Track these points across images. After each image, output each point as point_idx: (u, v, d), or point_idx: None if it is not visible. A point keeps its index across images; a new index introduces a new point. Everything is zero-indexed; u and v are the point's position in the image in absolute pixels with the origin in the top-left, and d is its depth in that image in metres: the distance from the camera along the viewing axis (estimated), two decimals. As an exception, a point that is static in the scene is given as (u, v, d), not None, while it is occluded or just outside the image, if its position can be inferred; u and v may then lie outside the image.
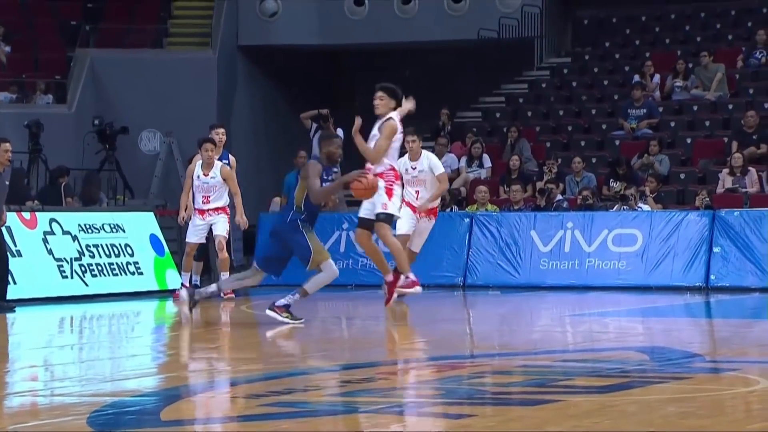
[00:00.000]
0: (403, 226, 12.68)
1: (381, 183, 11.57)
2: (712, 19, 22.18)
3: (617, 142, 19.35)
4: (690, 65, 20.30)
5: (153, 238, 16.10)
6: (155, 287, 15.62)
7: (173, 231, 18.66)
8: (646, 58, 21.00)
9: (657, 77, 20.46)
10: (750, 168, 17.08)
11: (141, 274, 15.56)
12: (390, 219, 11.91)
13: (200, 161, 13.77)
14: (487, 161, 19.09)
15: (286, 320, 10.78)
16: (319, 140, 11.39)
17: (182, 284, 14.07)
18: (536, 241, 15.99)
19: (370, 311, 13.05)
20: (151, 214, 16.76)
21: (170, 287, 15.72)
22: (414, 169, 13.04)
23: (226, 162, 14.17)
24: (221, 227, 13.77)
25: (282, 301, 10.83)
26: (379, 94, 12.39)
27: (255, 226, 16.33)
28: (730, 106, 19.56)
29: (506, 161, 18.83)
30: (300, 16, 22.94)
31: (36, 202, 16.25)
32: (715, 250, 15.34)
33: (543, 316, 12.97)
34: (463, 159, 19.19)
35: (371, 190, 11.09)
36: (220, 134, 14.22)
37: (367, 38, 22.90)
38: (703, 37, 21.72)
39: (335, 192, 11.51)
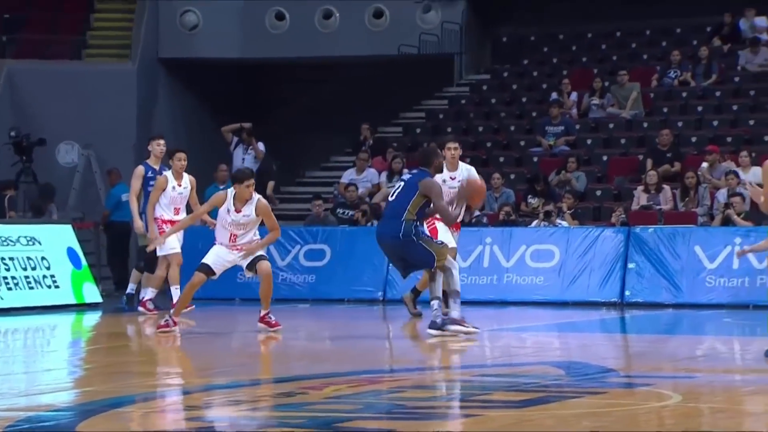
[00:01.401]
0: (450, 240, 12.26)
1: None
2: (628, 39, 22.55)
3: (535, 159, 19.58)
4: (606, 84, 20.62)
5: (70, 251, 15.94)
6: (72, 300, 15.46)
7: (91, 244, 18.51)
8: (564, 76, 21.29)
9: (574, 95, 20.75)
10: (664, 185, 17.38)
11: (57, 287, 15.40)
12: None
13: (170, 172, 13.68)
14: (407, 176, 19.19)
15: (468, 329, 11.08)
16: (427, 154, 11.22)
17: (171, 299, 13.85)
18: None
19: (300, 325, 13.05)
20: (69, 226, 16.59)
21: (87, 300, 15.59)
22: (453, 179, 12.42)
23: (166, 172, 14.12)
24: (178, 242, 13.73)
25: (439, 319, 11.04)
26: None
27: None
28: (645, 125, 19.89)
29: (426, 176, 18.91)
30: (221, 29, 22.89)
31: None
32: (630, 266, 15.59)
33: (471, 327, 13.06)
34: (384, 174, 19.28)
35: (482, 191, 11.48)
36: (161, 145, 14.20)
37: (288, 52, 22.92)
38: (619, 56, 22.07)
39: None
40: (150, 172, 14.22)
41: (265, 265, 11.63)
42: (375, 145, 20.41)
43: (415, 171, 11.29)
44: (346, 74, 23.78)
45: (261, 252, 11.72)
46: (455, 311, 11.24)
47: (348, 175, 19.24)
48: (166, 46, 22.82)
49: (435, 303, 11.18)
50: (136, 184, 14.12)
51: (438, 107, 22.33)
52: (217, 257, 11.61)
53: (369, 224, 17.74)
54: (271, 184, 19.36)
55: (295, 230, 17.12)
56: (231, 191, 11.58)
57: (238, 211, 11.52)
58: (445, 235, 12.09)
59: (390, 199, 11.22)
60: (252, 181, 11.57)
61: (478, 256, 15.95)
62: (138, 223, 14.15)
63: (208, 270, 11.56)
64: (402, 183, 11.24)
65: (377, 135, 21.05)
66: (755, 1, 19.96)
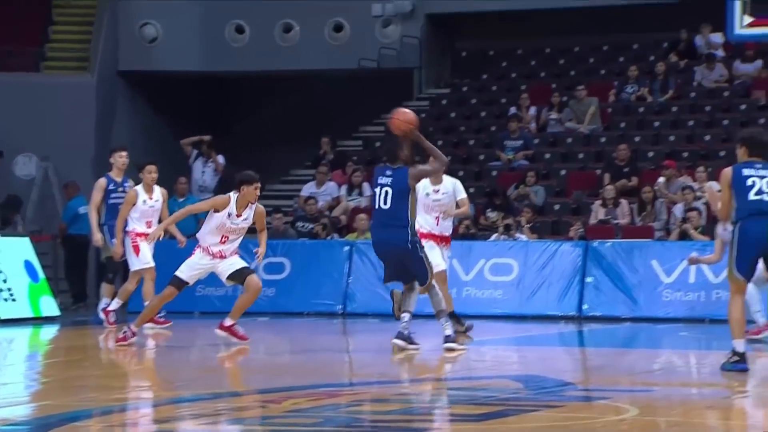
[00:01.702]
0: (439, 262, 12.14)
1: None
2: (586, 54, 22.72)
3: (494, 173, 19.68)
4: (564, 98, 20.76)
5: (27, 264, 15.84)
6: (29, 314, 15.36)
7: (48, 257, 18.41)
8: (522, 90, 21.42)
9: (533, 109, 20.88)
10: (621, 200, 17.52)
11: (14, 300, 15.29)
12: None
13: (140, 186, 13.61)
14: (367, 189, 19.25)
15: (460, 347, 11.19)
16: (392, 149, 11.00)
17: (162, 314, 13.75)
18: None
19: (260, 338, 13.02)
20: (26, 239, 16.49)
21: (45, 314, 15.49)
22: (437, 192, 12.32)
23: (127, 185, 14.07)
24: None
25: (449, 332, 11.11)
26: None
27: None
28: (603, 139, 20.04)
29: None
30: (181, 42, 22.85)
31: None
32: (588, 280, 15.70)
33: (421, 344, 13.10)
34: (344, 187, 19.32)
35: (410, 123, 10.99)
36: (123, 157, 14.15)
37: (248, 66, 22.93)
38: (577, 71, 22.23)
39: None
40: (112, 185, 14.16)
41: (255, 280, 11.53)
42: (335, 158, 20.44)
43: (389, 172, 10.97)
44: (306, 88, 23.81)
45: (245, 264, 11.60)
46: (448, 329, 11.24)
47: (308, 189, 19.26)
48: (125, 58, 22.75)
49: (406, 316, 11.20)
50: (97, 196, 14.05)
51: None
52: (192, 265, 11.38)
53: (329, 237, 17.77)
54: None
55: (255, 243, 17.07)
56: (233, 195, 11.35)
57: (238, 215, 11.36)
58: (433, 255, 11.97)
59: (383, 206, 10.95)
60: (259, 183, 11.47)
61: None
62: (97, 236, 14.07)
63: (180, 283, 11.40)
64: (387, 189, 10.95)
65: (337, 148, 21.09)
66: (711, 18, 20.17)
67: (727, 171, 9.51)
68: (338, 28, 22.81)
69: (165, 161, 21.04)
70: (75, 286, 18.50)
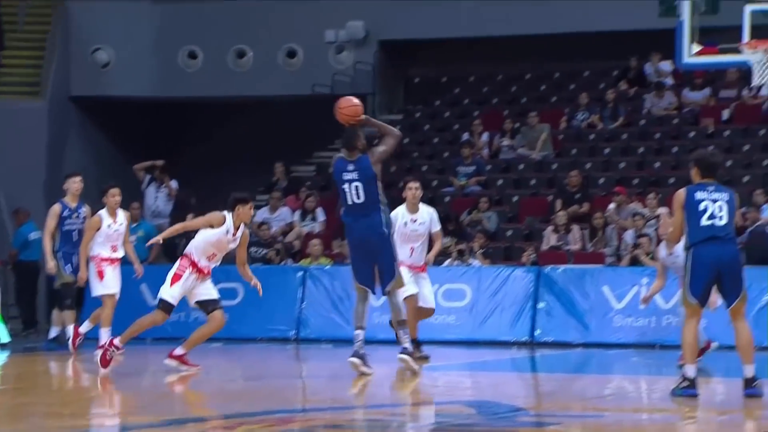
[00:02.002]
0: (409, 287, 12.16)
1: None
2: (537, 81, 22.92)
3: (447, 199, 19.77)
4: (517, 125, 20.92)
5: (-23, 291, 15.71)
6: (-21, 341, 15.23)
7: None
8: (475, 117, 21.56)
9: (485, 136, 21.01)
10: (573, 226, 17.66)
11: (-36, 327, 15.15)
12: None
13: (103, 211, 13.53)
14: (320, 215, 19.29)
15: (413, 364, 11.17)
16: (351, 136, 10.95)
17: (111, 340, 13.64)
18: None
19: (213, 364, 12.98)
20: (-23, 265, 16.37)
21: (-3, 341, 15.37)
22: (414, 222, 12.38)
23: (82, 211, 14.00)
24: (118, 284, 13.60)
25: (407, 345, 11.08)
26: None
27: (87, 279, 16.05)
28: (554, 166, 20.20)
29: (339, 215, 19.02)
30: (134, 67, 22.81)
31: None
32: (540, 305, 15.81)
33: (374, 369, 13.12)
34: (297, 213, 19.34)
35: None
36: (77, 183, 14.09)
37: (201, 91, 22.91)
38: (529, 98, 22.42)
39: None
40: (66, 211, 14.09)
41: (221, 315, 11.53)
42: (288, 184, 20.46)
43: (351, 166, 10.95)
44: (259, 113, 23.82)
45: (218, 296, 11.61)
46: (406, 342, 11.26)
47: (261, 214, 19.26)
48: (77, 83, 22.66)
49: (360, 334, 11.20)
50: (51, 223, 13.97)
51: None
52: (178, 286, 11.35)
53: (282, 263, 17.77)
54: (190, 217, 19.28)
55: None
56: (228, 214, 11.40)
57: (234, 234, 11.41)
58: (405, 279, 11.98)
59: (357, 201, 10.96)
60: (253, 203, 11.58)
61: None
62: (51, 264, 13.99)
63: (169, 308, 11.39)
64: (356, 183, 10.93)
65: (291, 174, 21.11)
66: (660, 46, 20.42)
67: (680, 193, 9.60)
68: (292, 53, 22.87)
69: (117, 186, 20.97)
70: (25, 312, 18.37)
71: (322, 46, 22.67)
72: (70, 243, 14.10)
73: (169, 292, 11.38)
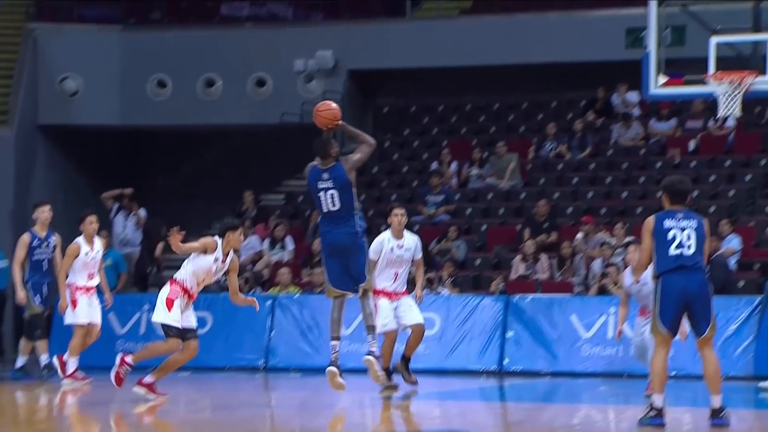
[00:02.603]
0: (389, 322, 12.28)
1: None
2: (505, 111, 23.05)
3: (416, 228, 19.78)
4: (485, 154, 21.03)
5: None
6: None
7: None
8: (444, 146, 21.65)
9: (454, 165, 21.10)
10: (541, 255, 17.74)
11: None
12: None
13: (80, 238, 13.48)
14: (289, 243, 19.29)
15: (378, 371, 11.13)
16: (324, 144, 10.99)
17: (76, 369, 13.55)
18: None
19: (180, 394, 12.93)
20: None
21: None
22: (400, 247, 12.41)
23: (51, 240, 13.96)
24: (99, 311, 13.56)
25: (374, 350, 11.03)
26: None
27: (52, 308, 16.00)
28: (523, 195, 20.30)
29: (308, 244, 19.05)
30: (102, 95, 22.78)
31: None
32: (509, 334, 15.85)
33: (343, 399, 13.12)
34: (266, 241, 19.33)
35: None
36: (46, 212, 14.06)
37: (170, 120, 22.91)
38: (497, 128, 22.54)
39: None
40: (36, 240, 14.06)
41: (195, 345, 11.54)
42: (257, 212, 20.46)
43: (326, 175, 10.97)
44: (228, 142, 23.84)
45: (196, 325, 11.64)
46: (374, 347, 11.28)
47: (230, 243, 19.21)
48: (45, 112, 22.60)
49: (336, 344, 11.21)
50: (20, 252, 13.91)
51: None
52: (178, 310, 11.35)
53: (251, 291, 17.74)
54: (160, 245, 19.32)
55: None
56: (218, 240, 11.40)
57: (222, 261, 11.43)
58: (386, 313, 12.07)
59: (332, 208, 10.95)
60: (242, 229, 11.60)
61: (360, 323, 16.04)
62: (21, 294, 13.94)
63: (177, 332, 11.41)
64: (331, 191, 10.94)
65: (260, 203, 21.11)
66: (627, 77, 20.61)
67: (650, 220, 9.65)
68: (261, 83, 22.92)
69: (95, 213, 20.92)
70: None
71: (291, 76, 22.73)
72: (40, 272, 14.06)
73: (171, 317, 11.37)
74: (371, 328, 11.29)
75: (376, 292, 12.08)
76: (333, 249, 11.09)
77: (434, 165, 21.07)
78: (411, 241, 12.55)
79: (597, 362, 15.48)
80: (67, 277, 13.47)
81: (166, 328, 11.43)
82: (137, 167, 23.83)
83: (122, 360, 11.65)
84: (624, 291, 12.89)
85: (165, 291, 11.48)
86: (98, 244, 13.64)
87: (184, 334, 11.50)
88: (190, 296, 11.48)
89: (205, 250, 11.36)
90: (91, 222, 13.52)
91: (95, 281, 13.57)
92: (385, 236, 12.48)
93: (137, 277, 19.56)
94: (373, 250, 12.20)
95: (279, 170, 22.57)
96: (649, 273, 11.40)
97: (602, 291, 16.37)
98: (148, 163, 24.21)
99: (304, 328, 16.47)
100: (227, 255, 11.47)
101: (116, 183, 20.26)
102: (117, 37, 23.11)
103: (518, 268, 17.68)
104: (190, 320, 11.58)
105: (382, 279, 12.36)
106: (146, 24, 23.98)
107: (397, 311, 12.51)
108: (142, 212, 19.57)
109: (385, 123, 23.72)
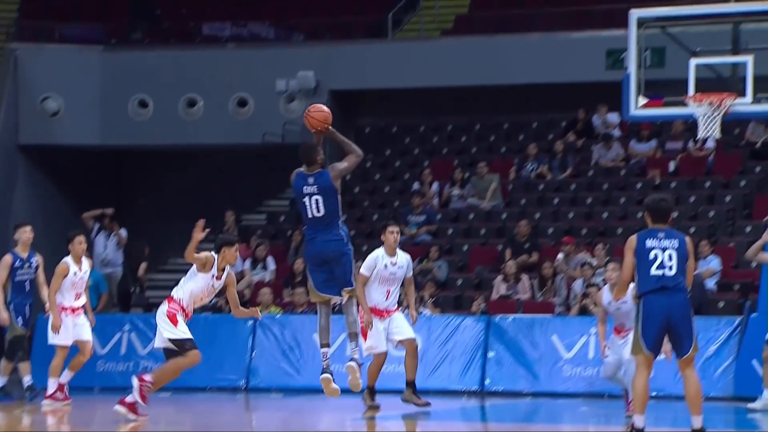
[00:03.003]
0: (378, 344, 12.28)
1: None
2: (487, 132, 23.12)
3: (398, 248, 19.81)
4: (466, 175, 21.08)
5: None
6: None
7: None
8: (425, 166, 21.69)
9: (435, 185, 21.14)
10: (522, 275, 17.76)
11: None
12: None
13: (69, 258, 13.43)
14: (271, 264, 19.27)
15: (358, 376, 11.02)
16: (309, 150, 11.00)
17: (56, 390, 13.49)
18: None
19: (161, 414, 12.89)
20: None
21: None
22: (394, 264, 12.40)
23: (34, 261, 13.94)
24: (89, 329, 13.54)
25: (357, 357, 11.02)
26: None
27: (33, 327, 15.93)
28: (504, 215, 20.34)
29: (290, 264, 19.04)
30: (83, 115, 22.75)
31: None
32: (490, 354, 15.85)
33: (324, 419, 13.11)
34: (248, 261, 19.31)
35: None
36: (28, 233, 14.04)
37: (151, 140, 22.90)
38: (479, 148, 22.60)
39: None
40: (18, 261, 14.03)
41: (196, 355, 11.49)
42: (239, 232, 20.44)
43: (311, 180, 11.01)
44: (210, 162, 23.83)
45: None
46: (356, 354, 11.27)
47: (211, 263, 19.19)
48: (26, 132, 22.56)
49: (327, 351, 11.18)
50: (2, 273, 13.88)
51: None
52: (182, 323, 11.37)
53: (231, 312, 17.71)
54: (143, 265, 19.30)
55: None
56: (214, 256, 11.39)
57: (218, 278, 11.42)
58: (376, 335, 12.06)
59: (317, 214, 10.95)
60: (238, 245, 11.57)
61: (341, 343, 16.04)
62: (4, 315, 13.90)
63: (192, 344, 11.39)
64: (316, 197, 10.96)
65: (241, 223, 21.10)
66: (607, 99, 20.70)
67: (633, 239, 9.66)
68: (242, 103, 22.95)
69: (66, 235, 20.85)
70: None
71: (273, 96, 22.76)
72: (23, 294, 14.04)
73: (181, 331, 11.33)
74: (354, 335, 11.29)
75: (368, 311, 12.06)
76: (318, 257, 11.09)
77: (416, 185, 21.11)
78: (404, 258, 12.57)
79: (578, 382, 15.50)
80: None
81: (180, 343, 11.35)
82: (118, 187, 23.81)
83: (141, 379, 11.59)
84: (602, 309, 12.92)
85: (163, 309, 11.44)
86: (86, 264, 13.65)
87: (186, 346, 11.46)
88: (186, 315, 11.46)
89: (204, 265, 11.32)
90: (81, 242, 13.54)
91: (82, 301, 13.56)
92: (379, 253, 12.48)
93: (120, 297, 19.50)
94: (366, 266, 12.23)
95: (260, 190, 22.58)
96: (630, 293, 11.46)
97: (583, 311, 16.41)
98: (129, 183, 24.18)
99: (285, 348, 16.44)
100: (223, 270, 11.47)
101: (97, 203, 20.22)
102: (98, 57, 23.11)
103: (499, 288, 17.70)
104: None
105: (375, 296, 12.34)
106: (127, 44, 23.99)
107: (388, 328, 12.47)
108: (123, 232, 19.54)
109: (367, 143, 23.68)
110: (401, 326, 12.55)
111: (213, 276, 11.40)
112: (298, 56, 22.83)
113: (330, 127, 11.10)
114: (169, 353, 11.49)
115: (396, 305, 12.64)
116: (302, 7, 25.22)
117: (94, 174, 23.82)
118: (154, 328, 16.61)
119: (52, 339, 13.42)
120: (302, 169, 11.13)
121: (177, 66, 22.95)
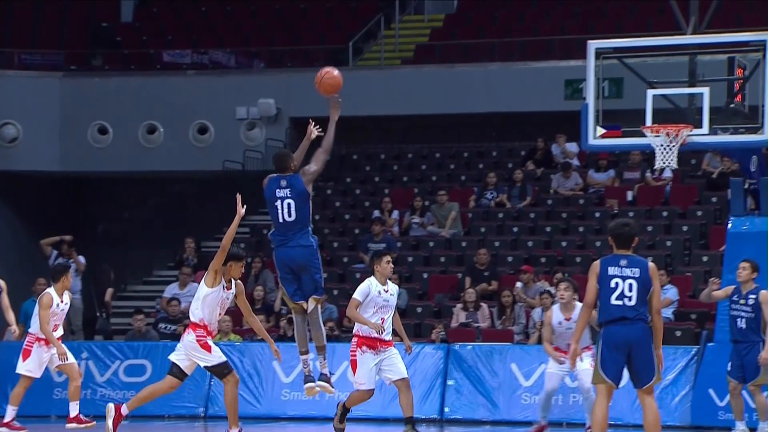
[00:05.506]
0: (367, 382, 12.11)
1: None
2: (447, 160, 23.23)
3: (358, 275, 19.82)
4: (426, 203, 21.15)
5: None
6: None
7: None
8: (385, 194, 21.75)
9: (396, 213, 21.20)
10: (482, 303, 17.82)
11: None
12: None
13: (51, 290, 13.34)
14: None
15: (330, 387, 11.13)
16: (283, 158, 11.21)
17: (12, 418, 13.34)
18: (278, 372, 16.15)
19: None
20: None
21: None
22: (387, 292, 12.20)
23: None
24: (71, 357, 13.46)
25: (326, 371, 11.08)
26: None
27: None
28: (464, 244, 20.42)
29: (250, 291, 19.00)
30: (41, 142, 22.67)
31: None
32: (450, 382, 15.87)
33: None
34: (206, 289, 19.23)
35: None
36: None
37: (110, 166, 22.84)
38: (439, 177, 22.70)
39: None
40: None
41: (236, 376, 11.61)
42: (199, 259, 20.37)
43: (284, 183, 11.08)
44: (170, 189, 23.78)
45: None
46: (326, 369, 11.23)
47: (171, 290, 19.13)
48: (-17, 158, 22.45)
49: (306, 358, 11.17)
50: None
51: (262, 223, 22.47)
52: (216, 348, 11.36)
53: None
54: (110, 291, 19.21)
55: (116, 345, 16.94)
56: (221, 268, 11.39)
57: (228, 288, 11.40)
58: (365, 372, 11.99)
59: (288, 218, 10.97)
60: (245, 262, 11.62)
61: (300, 371, 16.00)
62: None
63: (180, 373, 11.40)
64: (288, 201, 11.00)
65: (201, 250, 21.04)
66: (566, 128, 20.87)
67: (596, 264, 9.61)
68: (203, 130, 22.95)
69: (23, 261, 20.80)
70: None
71: (234, 123, 22.80)
72: None
73: (217, 357, 11.41)
74: (322, 348, 11.24)
75: (361, 342, 11.91)
76: (288, 263, 11.08)
77: (376, 213, 21.15)
78: (394, 287, 12.49)
79: (537, 411, 15.53)
80: (31, 326, 13.37)
81: (218, 369, 11.39)
82: (77, 214, 23.69)
83: (117, 410, 11.53)
84: (549, 328, 12.96)
85: (191, 338, 11.36)
86: (66, 296, 13.58)
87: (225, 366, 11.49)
88: (210, 334, 11.43)
89: (215, 273, 11.30)
90: (69, 276, 13.51)
91: (59, 333, 13.46)
92: (372, 281, 12.33)
93: (84, 323, 19.36)
94: (360, 292, 12.05)
95: (221, 217, 22.49)
96: (577, 312, 11.55)
97: (542, 340, 16.46)
98: (89, 210, 24.08)
99: (244, 376, 16.37)
100: (230, 281, 11.44)
101: (56, 230, 20.10)
102: (58, 83, 23.05)
103: (459, 316, 17.75)
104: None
105: (369, 327, 12.12)
106: (87, 70, 23.96)
107: (381, 364, 12.20)
108: (82, 259, 19.42)
109: (328, 170, 23.76)
110: (394, 365, 12.23)
111: (223, 287, 11.35)
112: (258, 84, 22.88)
113: (337, 98, 11.24)
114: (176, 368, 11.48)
115: (390, 337, 12.45)
116: (263, 34, 25.30)
117: (53, 201, 23.71)
118: (111, 355, 16.57)
119: (20, 368, 13.31)
120: (275, 175, 11.20)
121: (137, 93, 22.93)
